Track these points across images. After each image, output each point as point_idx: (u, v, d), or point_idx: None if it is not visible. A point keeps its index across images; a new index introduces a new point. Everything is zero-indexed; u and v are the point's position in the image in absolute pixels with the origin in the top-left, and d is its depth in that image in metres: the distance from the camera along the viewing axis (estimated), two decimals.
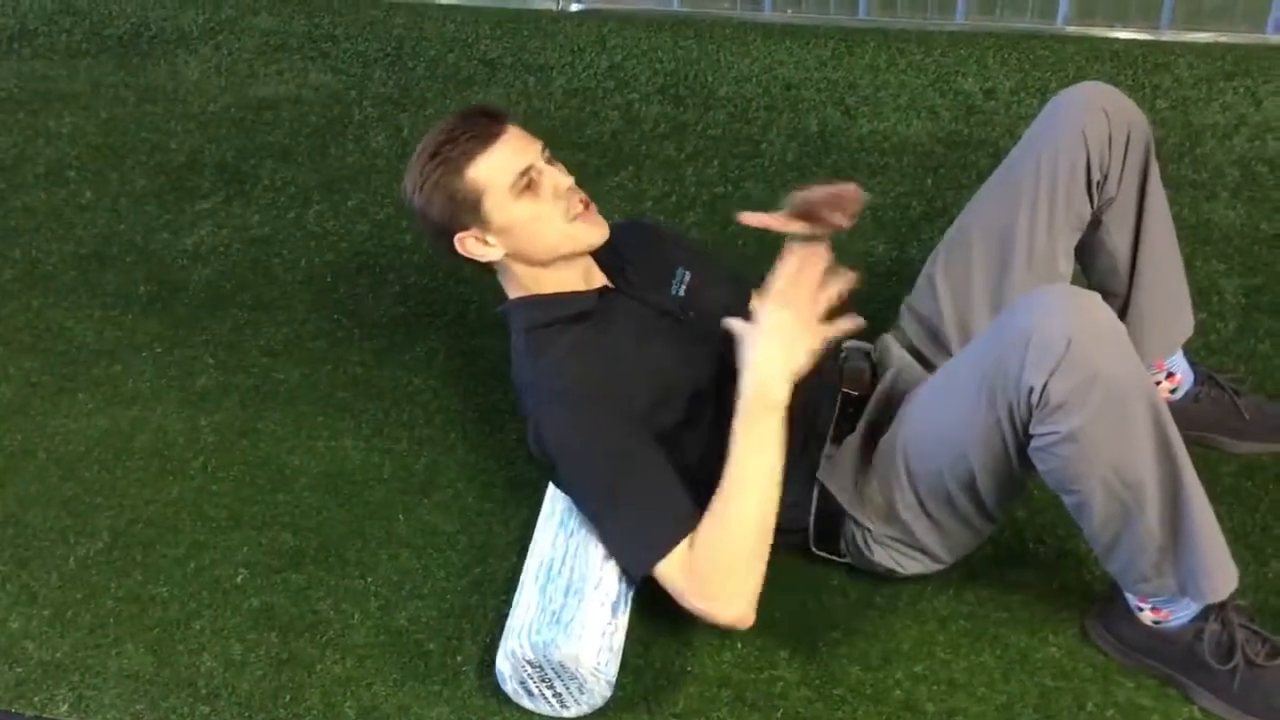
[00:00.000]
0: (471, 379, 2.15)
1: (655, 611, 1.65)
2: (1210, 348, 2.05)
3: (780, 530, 1.57)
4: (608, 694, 1.51)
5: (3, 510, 1.92)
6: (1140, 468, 1.35)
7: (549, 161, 1.64)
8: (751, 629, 1.61)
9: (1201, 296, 2.19)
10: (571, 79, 3.15)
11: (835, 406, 1.70)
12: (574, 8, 3.57)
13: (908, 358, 1.79)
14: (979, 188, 1.80)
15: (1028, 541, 1.73)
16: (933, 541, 1.59)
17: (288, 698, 1.59)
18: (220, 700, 1.59)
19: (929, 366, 1.76)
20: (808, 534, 1.66)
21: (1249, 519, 1.74)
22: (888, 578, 1.65)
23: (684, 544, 1.48)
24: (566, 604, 1.50)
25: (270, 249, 2.57)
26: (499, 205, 1.60)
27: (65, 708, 1.59)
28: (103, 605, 1.74)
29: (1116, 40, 3.14)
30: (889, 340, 1.82)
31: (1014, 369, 1.33)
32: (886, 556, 1.62)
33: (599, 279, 1.72)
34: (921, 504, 1.55)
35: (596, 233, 1.66)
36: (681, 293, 1.75)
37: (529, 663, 1.47)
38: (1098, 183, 1.67)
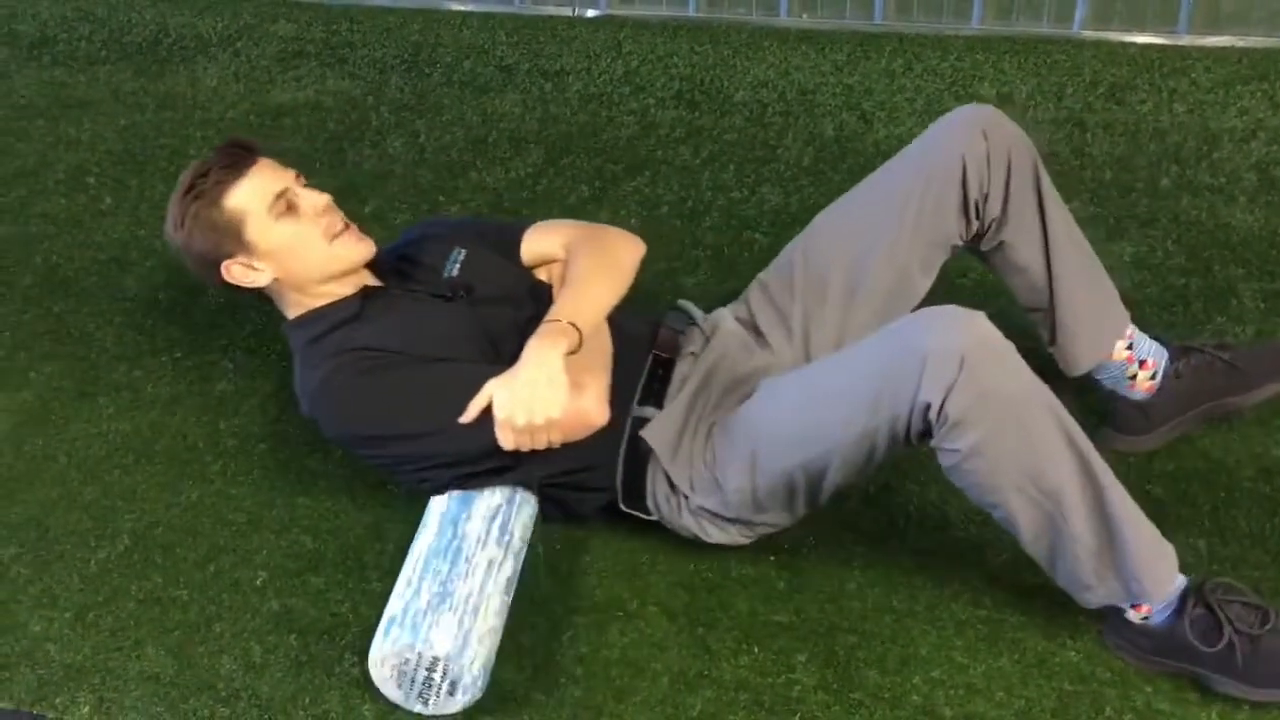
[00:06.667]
0: None
1: (672, 616, 1.66)
2: None
3: (587, 489, 1.68)
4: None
5: (24, 514, 1.93)
6: (1055, 473, 1.40)
7: (304, 187, 1.72)
8: (769, 633, 1.62)
9: (1219, 301, 2.18)
10: (588, 84, 3.16)
11: (645, 368, 1.74)
12: (590, 13, 3.59)
13: (741, 334, 1.82)
14: (853, 186, 1.84)
15: None
16: (746, 521, 1.65)
17: (307, 700, 1.60)
18: (240, 702, 1.60)
19: (763, 340, 1.81)
20: (615, 492, 1.69)
21: (1268, 523, 1.73)
22: (692, 542, 1.70)
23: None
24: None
25: None
26: (261, 229, 1.68)
27: (86, 710, 1.60)
28: (124, 608, 1.75)
29: (1133, 44, 3.14)
30: (724, 314, 1.86)
31: (909, 387, 1.39)
32: (695, 524, 1.67)
33: (367, 282, 1.77)
34: (755, 492, 1.59)
35: (360, 249, 1.73)
36: (455, 272, 1.79)
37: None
38: (976, 203, 1.71)
